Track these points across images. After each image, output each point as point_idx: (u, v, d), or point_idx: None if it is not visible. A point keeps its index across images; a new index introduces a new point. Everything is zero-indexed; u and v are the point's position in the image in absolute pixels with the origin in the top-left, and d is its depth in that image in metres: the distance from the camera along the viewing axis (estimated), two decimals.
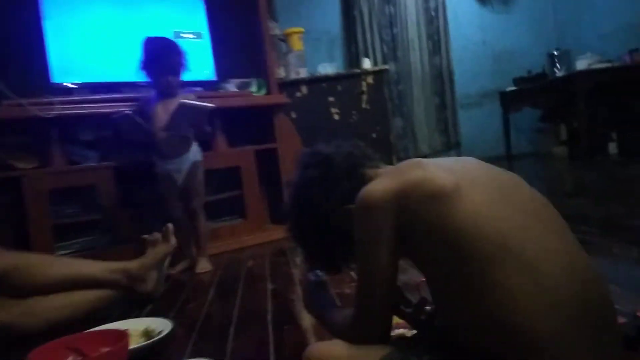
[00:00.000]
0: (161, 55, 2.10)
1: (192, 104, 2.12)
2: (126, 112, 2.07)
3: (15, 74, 2.34)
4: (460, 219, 0.66)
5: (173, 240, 1.77)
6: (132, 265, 1.67)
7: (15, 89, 2.16)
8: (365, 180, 0.80)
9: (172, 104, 2.13)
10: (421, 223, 0.69)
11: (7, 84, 2.15)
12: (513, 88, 4.93)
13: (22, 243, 2.16)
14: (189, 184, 2.19)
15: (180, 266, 2.22)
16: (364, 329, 0.77)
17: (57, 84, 2.37)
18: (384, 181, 0.76)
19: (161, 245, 1.73)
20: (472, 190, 0.69)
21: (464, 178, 0.71)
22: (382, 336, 0.77)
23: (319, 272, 1.06)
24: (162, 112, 2.12)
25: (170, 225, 1.80)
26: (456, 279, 0.66)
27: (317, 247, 0.93)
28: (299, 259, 2.09)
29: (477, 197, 0.68)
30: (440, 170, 0.73)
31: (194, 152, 2.22)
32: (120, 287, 1.64)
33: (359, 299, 0.77)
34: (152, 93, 2.20)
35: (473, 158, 0.82)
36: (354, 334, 0.78)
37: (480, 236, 0.65)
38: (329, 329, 0.94)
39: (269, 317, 1.41)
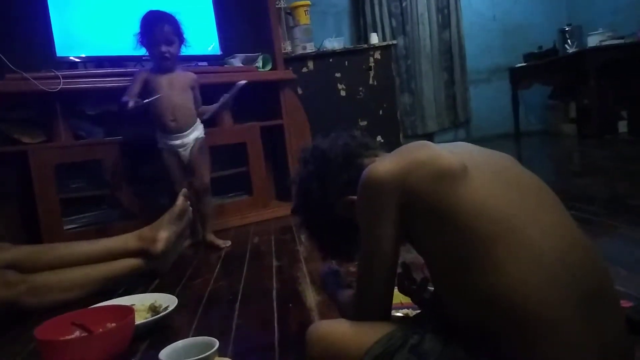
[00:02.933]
0: (153, 26, 2.08)
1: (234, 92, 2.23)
2: (138, 102, 2.04)
3: (19, 47, 2.32)
4: (464, 198, 0.67)
5: (179, 201, 1.83)
6: (143, 229, 1.75)
7: (19, 62, 2.14)
8: (363, 170, 0.80)
9: (176, 79, 2.15)
10: (425, 201, 0.70)
11: (12, 58, 2.13)
12: (523, 64, 4.85)
13: (30, 217, 2.18)
14: (194, 161, 2.19)
15: (186, 242, 2.23)
16: (365, 306, 0.78)
17: (62, 57, 2.35)
18: (387, 160, 0.76)
19: (174, 208, 1.80)
20: (474, 172, 0.69)
21: (467, 159, 0.71)
22: (382, 314, 0.78)
23: (333, 263, 1.10)
24: (167, 87, 2.12)
25: (184, 190, 1.92)
26: (458, 258, 0.66)
27: (326, 239, 0.96)
28: (304, 237, 2.10)
29: (480, 178, 0.69)
30: (446, 151, 0.73)
31: (198, 128, 2.21)
32: (134, 252, 1.67)
33: (360, 277, 0.78)
34: (152, 65, 2.19)
35: (466, 142, 0.83)
36: (355, 312, 0.79)
37: (483, 215, 0.65)
38: (338, 309, 0.98)
39: (274, 294, 1.42)
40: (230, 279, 1.65)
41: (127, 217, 2.30)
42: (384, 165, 0.75)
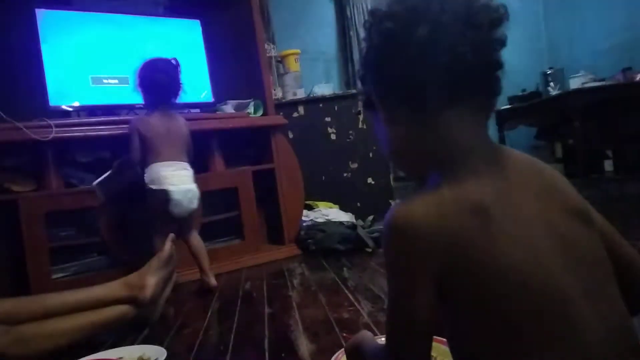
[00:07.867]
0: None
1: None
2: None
3: (13, 97, 2.36)
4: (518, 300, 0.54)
5: (167, 246, 1.81)
6: (130, 275, 1.73)
7: (13, 112, 2.16)
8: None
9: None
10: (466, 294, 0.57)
11: (4, 107, 2.15)
12: (508, 106, 4.97)
13: (18, 267, 2.15)
14: (191, 212, 2.16)
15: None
16: None
17: (55, 106, 2.38)
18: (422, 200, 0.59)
19: (162, 253, 1.79)
20: (537, 267, 0.56)
21: (530, 250, 0.57)
22: None
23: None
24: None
25: (172, 235, 1.89)
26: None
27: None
28: (296, 281, 2.08)
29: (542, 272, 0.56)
30: (506, 242, 0.56)
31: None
32: (122, 300, 1.64)
33: (391, 343, 0.62)
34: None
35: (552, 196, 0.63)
36: None
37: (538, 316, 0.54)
38: None
39: (266, 343, 1.40)
40: (221, 327, 1.62)
41: (117, 265, 2.27)
42: (418, 206, 0.58)
